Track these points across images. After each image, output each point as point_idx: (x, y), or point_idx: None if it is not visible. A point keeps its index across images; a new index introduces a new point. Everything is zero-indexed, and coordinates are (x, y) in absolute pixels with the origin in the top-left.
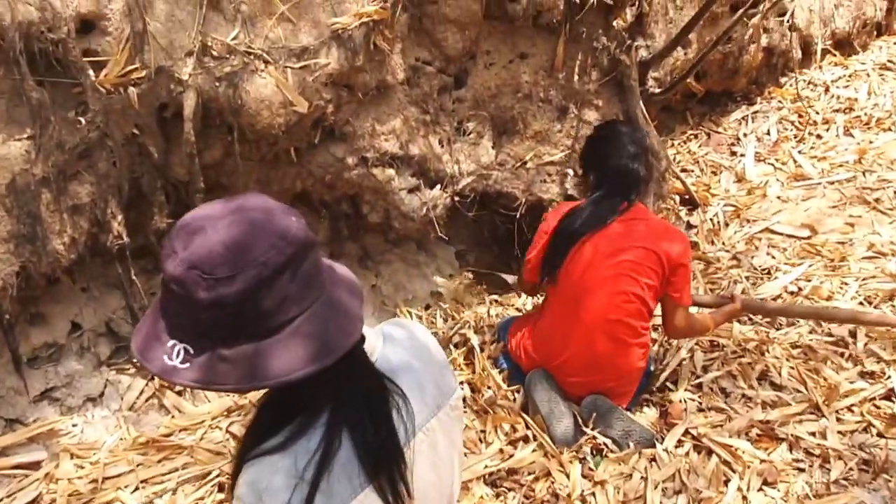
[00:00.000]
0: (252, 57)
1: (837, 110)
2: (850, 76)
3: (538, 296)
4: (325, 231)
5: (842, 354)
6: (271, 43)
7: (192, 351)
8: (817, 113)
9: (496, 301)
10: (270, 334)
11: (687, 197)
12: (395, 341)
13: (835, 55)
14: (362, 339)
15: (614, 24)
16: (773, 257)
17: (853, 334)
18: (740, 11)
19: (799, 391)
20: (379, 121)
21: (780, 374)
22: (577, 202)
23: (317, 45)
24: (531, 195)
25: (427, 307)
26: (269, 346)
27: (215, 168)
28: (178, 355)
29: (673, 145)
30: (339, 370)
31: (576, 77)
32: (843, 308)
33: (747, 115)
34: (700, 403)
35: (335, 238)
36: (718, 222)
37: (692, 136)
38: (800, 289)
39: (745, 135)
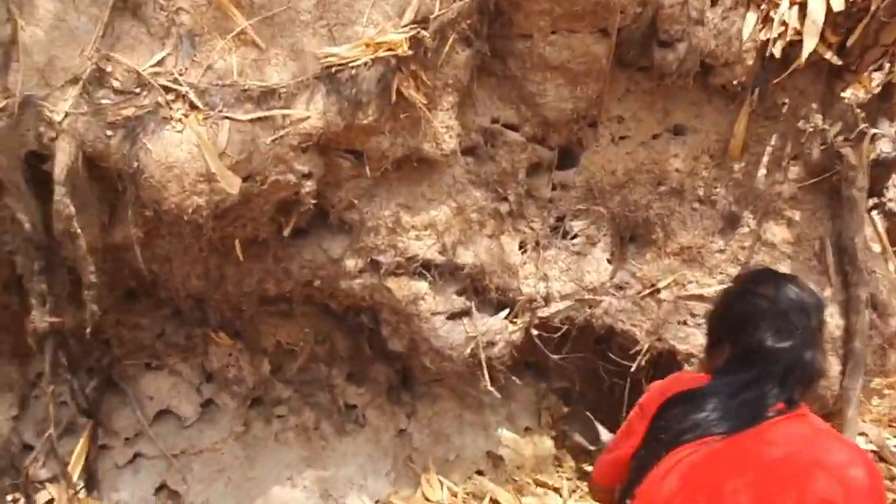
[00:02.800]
0: (172, 95)
1: None
2: None
3: None
4: (344, 344)
5: None
6: (217, 76)
7: None
8: None
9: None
10: None
11: None
12: None
13: None
14: None
15: (844, 95)
16: None
17: None
18: None
19: None
20: (410, 208)
21: None
22: (699, 377)
23: (293, 87)
24: (659, 340)
25: (474, 475)
26: None
27: (136, 252)
28: None
29: None
30: None
31: (762, 171)
32: None
33: None
34: None
35: (356, 355)
36: None
37: None
38: None
39: None
